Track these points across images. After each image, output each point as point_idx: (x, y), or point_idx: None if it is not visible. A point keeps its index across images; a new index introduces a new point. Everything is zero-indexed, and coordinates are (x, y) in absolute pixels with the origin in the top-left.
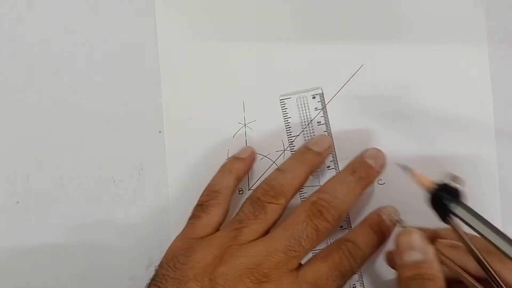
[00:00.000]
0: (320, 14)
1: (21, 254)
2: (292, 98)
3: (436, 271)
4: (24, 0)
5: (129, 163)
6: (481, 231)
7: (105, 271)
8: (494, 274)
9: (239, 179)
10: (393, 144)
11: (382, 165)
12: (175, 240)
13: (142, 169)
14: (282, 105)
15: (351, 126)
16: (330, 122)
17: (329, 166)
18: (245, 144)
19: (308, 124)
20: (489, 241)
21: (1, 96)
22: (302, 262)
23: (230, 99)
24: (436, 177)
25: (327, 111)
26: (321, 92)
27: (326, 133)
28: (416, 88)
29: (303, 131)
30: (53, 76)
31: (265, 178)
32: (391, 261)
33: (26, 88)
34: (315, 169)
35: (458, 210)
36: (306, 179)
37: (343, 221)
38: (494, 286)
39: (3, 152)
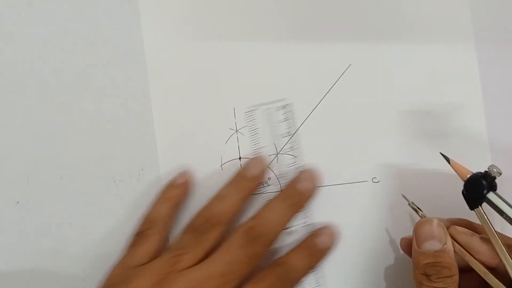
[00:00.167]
0: (309, 16)
1: (21, 254)
2: (258, 110)
3: (453, 260)
4: (24, 0)
5: (129, 163)
6: None
7: (105, 271)
8: None
9: (176, 206)
10: (385, 142)
11: (316, 187)
12: (114, 269)
13: (142, 169)
14: (248, 118)
15: (333, 130)
16: (316, 129)
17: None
18: (237, 150)
19: (275, 136)
20: None
21: (1, 96)
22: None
23: (221, 106)
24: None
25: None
26: (287, 103)
27: (292, 145)
28: (404, 88)
29: (271, 143)
30: (53, 76)
31: (204, 206)
32: (406, 246)
33: (26, 88)
34: (252, 193)
35: (492, 196)
36: (244, 204)
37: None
38: (510, 274)
39: (3, 152)
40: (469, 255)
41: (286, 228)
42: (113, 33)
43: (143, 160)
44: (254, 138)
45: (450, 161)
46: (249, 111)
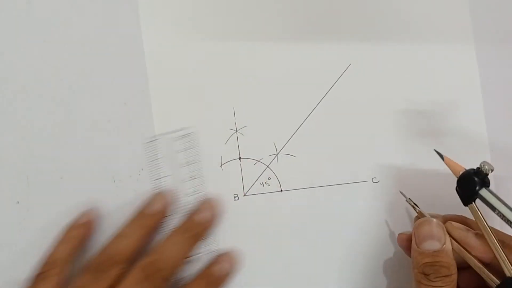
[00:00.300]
0: (307, 16)
1: (21, 254)
2: (160, 140)
3: (451, 259)
4: (24, 0)
5: (129, 163)
6: (504, 213)
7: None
8: (505, 258)
9: (78, 247)
10: (384, 142)
11: (215, 217)
12: None
13: (142, 169)
14: (150, 147)
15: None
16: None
17: None
18: (237, 150)
19: (175, 165)
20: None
21: (1, 96)
22: None
23: (220, 106)
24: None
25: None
26: (189, 132)
27: (193, 173)
28: (404, 88)
29: (172, 173)
30: (53, 76)
31: (104, 245)
32: (403, 242)
33: (26, 88)
34: (155, 229)
35: (484, 192)
36: (145, 240)
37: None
38: (504, 270)
39: (3, 152)
40: (464, 251)
41: (189, 257)
42: (113, 32)
43: (143, 160)
44: (154, 168)
45: (444, 158)
46: (150, 141)
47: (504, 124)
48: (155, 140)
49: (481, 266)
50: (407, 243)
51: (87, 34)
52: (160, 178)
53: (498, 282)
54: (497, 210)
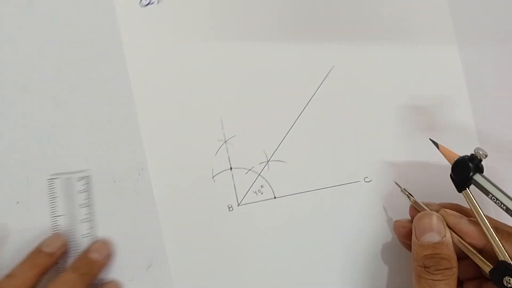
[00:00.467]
0: (289, 19)
1: (21, 254)
2: (59, 179)
3: (452, 252)
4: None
5: (129, 163)
6: (497, 196)
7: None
8: (499, 242)
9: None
10: (373, 141)
11: (107, 256)
12: None
13: (142, 169)
14: (50, 185)
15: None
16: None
17: None
18: (228, 161)
19: (73, 207)
20: (505, 205)
21: (1, 96)
22: None
23: (207, 118)
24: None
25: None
26: (87, 175)
27: (88, 215)
28: (390, 88)
29: (69, 213)
30: (53, 76)
31: None
32: (398, 229)
33: (26, 88)
34: (49, 269)
35: (478, 177)
36: (38, 281)
37: None
38: (497, 253)
39: (3, 152)
40: (458, 237)
41: None
42: (113, 32)
43: (143, 160)
44: (52, 206)
45: (439, 146)
46: (50, 179)
47: (491, 117)
48: (56, 178)
49: (474, 251)
50: (403, 230)
51: (88, 34)
52: (56, 216)
53: (492, 266)
54: (491, 194)
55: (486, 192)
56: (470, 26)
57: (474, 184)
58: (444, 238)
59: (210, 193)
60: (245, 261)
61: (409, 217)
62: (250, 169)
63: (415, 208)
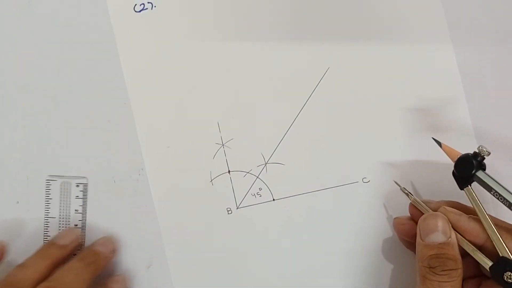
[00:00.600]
0: (284, 21)
1: (21, 254)
2: (57, 182)
3: (457, 253)
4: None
5: (129, 163)
6: (500, 193)
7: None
8: (499, 237)
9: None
10: (370, 141)
11: (113, 251)
12: None
13: (142, 169)
14: (47, 186)
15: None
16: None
17: None
18: (226, 164)
19: (68, 211)
20: (508, 201)
21: (1, 96)
22: None
23: (205, 121)
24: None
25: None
26: (85, 182)
27: (80, 222)
28: (386, 89)
29: (59, 216)
30: (53, 76)
31: (6, 275)
32: (398, 225)
33: (26, 88)
34: (61, 261)
35: (481, 174)
36: (49, 272)
37: None
38: (498, 249)
39: (3, 152)
40: (458, 234)
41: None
42: (111, 34)
43: (143, 160)
44: (47, 207)
45: (442, 145)
46: (49, 180)
47: (488, 117)
48: (55, 180)
49: (474, 248)
50: (402, 227)
51: (88, 34)
52: (49, 218)
53: (492, 263)
54: (494, 190)
55: (489, 189)
56: (465, 26)
57: (476, 181)
58: (450, 238)
59: (208, 196)
60: (244, 263)
61: (409, 215)
62: (248, 172)
63: (415, 207)
